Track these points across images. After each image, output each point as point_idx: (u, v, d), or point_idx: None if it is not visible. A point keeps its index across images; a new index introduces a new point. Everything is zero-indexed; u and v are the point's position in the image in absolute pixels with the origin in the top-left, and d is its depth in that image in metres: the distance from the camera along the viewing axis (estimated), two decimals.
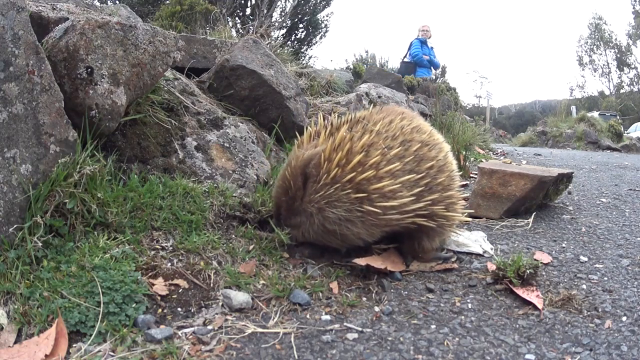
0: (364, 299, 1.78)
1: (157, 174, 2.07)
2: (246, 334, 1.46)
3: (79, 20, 1.83)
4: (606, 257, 2.24)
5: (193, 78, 2.97)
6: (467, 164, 4.68)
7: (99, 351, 1.30)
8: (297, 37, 12.59)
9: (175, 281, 1.63)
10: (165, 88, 2.43)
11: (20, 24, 1.60)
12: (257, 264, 1.83)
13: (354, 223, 1.80)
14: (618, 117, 22.11)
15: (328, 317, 1.60)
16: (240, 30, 8.37)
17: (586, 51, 36.33)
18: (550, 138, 15.33)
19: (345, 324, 1.57)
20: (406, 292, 1.85)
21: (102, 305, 1.40)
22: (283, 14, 11.25)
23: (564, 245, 2.43)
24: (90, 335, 1.34)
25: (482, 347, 1.46)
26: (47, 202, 1.60)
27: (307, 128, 2.05)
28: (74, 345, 1.32)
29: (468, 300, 1.79)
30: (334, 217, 1.80)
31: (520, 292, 1.79)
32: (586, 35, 36.68)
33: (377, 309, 1.70)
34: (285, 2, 11.45)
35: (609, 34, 34.98)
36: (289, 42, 11.68)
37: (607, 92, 34.90)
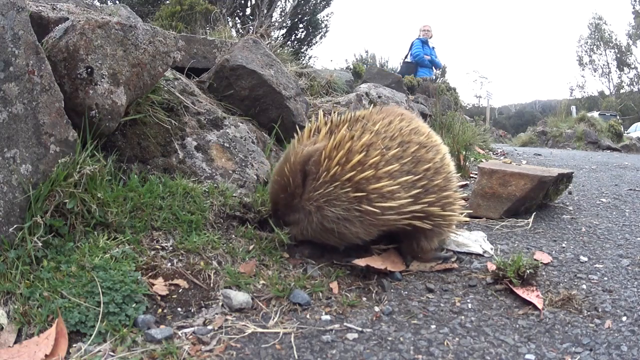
0: (364, 299, 1.78)
1: (157, 174, 2.07)
2: (246, 334, 1.46)
3: (79, 20, 1.83)
4: (606, 257, 2.24)
5: (193, 78, 2.97)
6: (467, 164, 4.69)
7: (99, 351, 1.30)
8: (297, 37, 12.59)
9: (175, 281, 1.63)
10: (165, 88, 2.43)
11: (20, 24, 1.60)
12: (257, 264, 1.83)
13: (352, 222, 1.81)
14: (618, 117, 22.11)
15: (328, 317, 1.60)
16: (240, 30, 8.37)
17: (586, 51, 36.36)
18: (550, 138, 15.33)
19: (345, 324, 1.57)
20: (406, 292, 1.85)
21: (102, 305, 1.40)
22: (283, 14, 11.25)
23: (564, 245, 2.43)
24: (90, 335, 1.34)
25: (482, 347, 1.46)
26: (47, 202, 1.60)
27: (307, 124, 2.04)
28: (74, 345, 1.32)
29: (468, 300, 1.79)
30: (333, 215, 1.80)
31: (520, 292, 1.79)
32: (586, 35, 36.71)
33: (377, 309, 1.70)
34: (285, 2, 11.45)
35: (609, 34, 34.98)
36: (289, 42, 11.67)
37: (607, 92, 34.91)
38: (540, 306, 1.70)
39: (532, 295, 1.77)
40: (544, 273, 2.02)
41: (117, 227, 1.73)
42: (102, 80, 1.85)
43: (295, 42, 12.34)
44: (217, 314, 1.55)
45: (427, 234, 2.02)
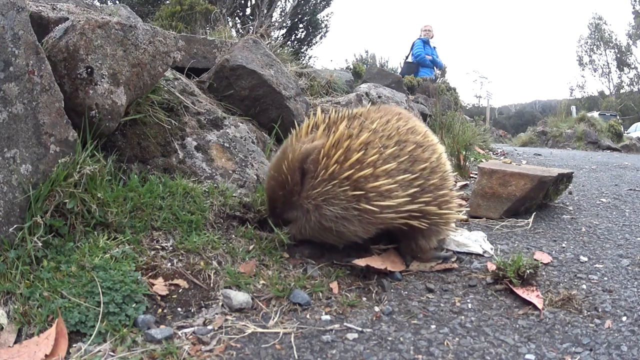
0: (364, 299, 1.78)
1: (157, 174, 2.07)
2: (246, 334, 1.46)
3: (79, 20, 1.83)
4: (606, 257, 2.24)
5: (193, 78, 2.97)
6: (467, 164, 4.68)
7: (99, 351, 1.30)
8: (297, 37, 12.58)
9: (175, 281, 1.63)
10: (165, 88, 2.43)
11: (20, 24, 1.60)
12: (257, 264, 1.83)
13: (351, 221, 1.81)
14: (618, 117, 22.11)
15: (328, 317, 1.60)
16: (240, 30, 8.37)
17: (586, 51, 36.35)
18: (550, 138, 15.33)
19: (345, 324, 1.57)
20: (406, 292, 1.85)
21: (102, 305, 1.40)
22: (283, 14, 11.25)
23: (564, 245, 2.43)
24: (90, 335, 1.34)
25: (482, 347, 1.46)
26: (47, 202, 1.60)
27: (305, 120, 2.03)
28: (74, 345, 1.32)
29: (468, 300, 1.79)
30: (331, 214, 1.80)
31: (520, 292, 1.79)
32: (586, 35, 36.72)
33: (377, 309, 1.70)
34: (285, 2, 11.45)
35: (609, 34, 34.98)
36: (289, 42, 11.67)
37: (607, 92, 34.91)
38: (540, 306, 1.70)
39: (532, 295, 1.77)
40: (544, 273, 2.02)
41: (117, 227, 1.73)
42: (102, 80, 1.85)
43: (295, 42, 12.34)
44: (217, 314, 1.55)
45: (425, 233, 2.02)
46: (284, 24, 11.37)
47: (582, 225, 2.83)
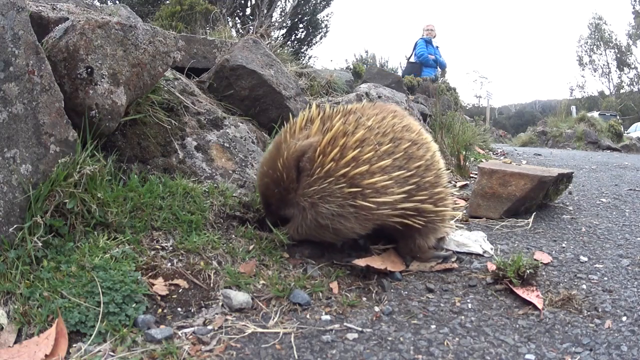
0: (364, 299, 1.78)
1: (157, 174, 2.07)
2: (246, 334, 1.46)
3: (79, 20, 1.83)
4: (606, 257, 2.24)
5: (193, 78, 2.97)
6: (467, 164, 4.69)
7: (99, 351, 1.30)
8: (297, 37, 12.59)
9: (175, 281, 1.63)
10: (165, 88, 2.43)
11: (20, 24, 1.60)
12: (257, 264, 1.83)
13: (347, 218, 1.81)
14: (618, 117, 22.11)
15: (328, 317, 1.60)
16: (240, 30, 8.37)
17: (586, 51, 36.35)
18: (550, 138, 15.34)
19: (345, 324, 1.57)
20: (406, 292, 1.85)
21: (102, 305, 1.40)
22: (283, 14, 11.25)
23: (564, 245, 2.43)
24: (90, 335, 1.34)
25: (482, 347, 1.46)
26: (47, 202, 1.60)
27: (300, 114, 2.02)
28: (74, 345, 1.32)
29: (468, 300, 1.79)
30: (327, 212, 1.80)
31: (520, 292, 1.79)
32: (586, 35, 36.71)
33: (377, 309, 1.70)
34: (285, 2, 11.45)
35: (609, 34, 34.97)
36: (289, 42, 11.67)
37: (607, 92, 34.91)
38: (540, 306, 1.70)
39: (532, 295, 1.77)
40: (544, 273, 2.02)
41: (117, 227, 1.73)
42: (102, 80, 1.85)
43: (295, 42, 12.34)
44: (217, 314, 1.55)
45: (423, 232, 2.03)
46: (284, 24, 11.38)
47: (582, 225, 2.83)
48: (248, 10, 11.20)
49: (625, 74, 34.54)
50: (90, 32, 1.83)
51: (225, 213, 2.05)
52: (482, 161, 5.07)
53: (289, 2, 11.40)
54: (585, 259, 2.22)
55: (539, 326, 1.60)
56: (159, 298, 1.54)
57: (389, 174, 1.80)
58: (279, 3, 10.69)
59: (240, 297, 1.60)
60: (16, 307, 1.38)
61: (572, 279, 1.98)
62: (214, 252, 1.80)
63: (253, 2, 10.61)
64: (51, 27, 1.99)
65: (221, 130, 2.49)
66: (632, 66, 34.05)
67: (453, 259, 2.18)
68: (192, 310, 1.55)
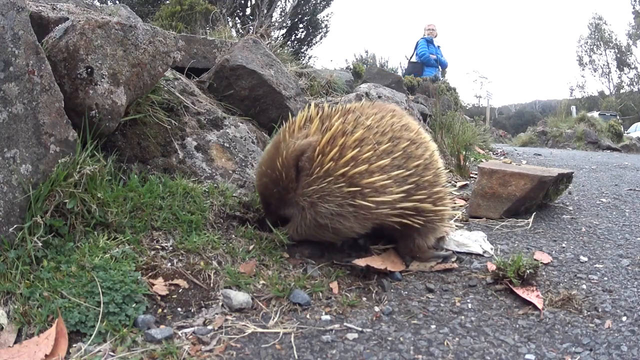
0: (364, 299, 1.78)
1: (157, 174, 2.07)
2: (246, 334, 1.46)
3: (79, 20, 1.83)
4: (606, 257, 2.24)
5: (193, 78, 2.97)
6: (467, 164, 4.68)
7: (99, 351, 1.30)
8: (297, 37, 12.58)
9: (175, 281, 1.63)
10: (165, 88, 2.43)
11: (20, 24, 1.60)
12: (257, 264, 1.83)
13: (346, 218, 1.81)
14: (618, 117, 22.11)
15: (328, 317, 1.60)
16: (240, 30, 8.37)
17: (586, 51, 36.36)
18: (550, 138, 15.34)
19: (345, 324, 1.57)
20: (406, 292, 1.85)
21: (102, 305, 1.40)
22: (283, 14, 11.24)
23: (564, 245, 2.43)
24: (90, 335, 1.34)
25: (482, 347, 1.46)
26: (47, 202, 1.60)
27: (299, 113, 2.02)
28: (74, 345, 1.32)
29: (468, 300, 1.79)
30: (326, 211, 1.80)
31: (520, 292, 1.79)
32: (586, 35, 36.72)
33: (377, 309, 1.70)
34: (285, 2, 11.44)
35: (609, 34, 34.98)
36: (289, 42, 11.67)
37: (607, 92, 34.91)
38: (540, 306, 1.70)
39: (532, 295, 1.77)
40: (544, 273, 2.02)
41: (117, 227, 1.73)
42: (102, 80, 1.85)
43: (295, 42, 12.34)
44: (217, 314, 1.55)
45: (422, 231, 2.03)
46: (284, 24, 11.37)
47: (582, 225, 2.83)
48: (248, 10, 11.20)
49: (625, 74, 34.57)
50: (90, 32, 1.83)
51: (225, 213, 2.05)
52: (482, 161, 5.07)
53: (289, 2, 11.40)
54: (585, 259, 2.22)
55: (539, 326, 1.60)
56: (159, 298, 1.54)
57: (387, 173, 1.81)
58: (279, 3, 10.69)
59: (240, 297, 1.60)
60: (16, 307, 1.38)
61: (572, 279, 1.98)
62: (214, 252, 1.80)
63: (253, 2, 10.61)
64: (51, 27, 1.99)
65: (221, 130, 2.49)
66: (632, 66, 34.07)
67: (453, 259, 2.18)
68: (192, 310, 1.55)
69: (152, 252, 1.70)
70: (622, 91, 33.94)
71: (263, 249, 1.93)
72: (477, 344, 1.48)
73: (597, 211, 3.27)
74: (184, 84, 2.63)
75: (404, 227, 1.94)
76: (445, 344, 1.47)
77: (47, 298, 1.40)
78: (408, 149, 1.91)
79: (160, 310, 1.52)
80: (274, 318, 1.56)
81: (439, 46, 10.23)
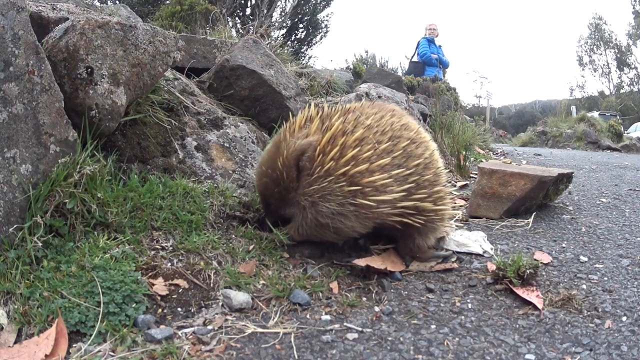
0: (364, 299, 1.78)
1: (157, 174, 2.07)
2: (246, 334, 1.46)
3: (79, 20, 1.83)
4: (606, 257, 2.24)
5: (193, 78, 2.97)
6: (467, 164, 4.68)
7: (99, 351, 1.30)
8: (297, 37, 12.58)
9: (175, 281, 1.63)
10: (165, 88, 2.43)
11: (20, 24, 1.60)
12: (257, 264, 1.83)
13: (347, 217, 1.81)
14: (618, 117, 22.11)
15: (328, 317, 1.60)
16: (240, 30, 8.37)
17: (586, 51, 36.35)
18: (550, 138, 15.34)
19: (345, 324, 1.57)
20: (406, 292, 1.85)
21: (102, 305, 1.40)
22: (283, 14, 11.24)
23: (564, 245, 2.43)
24: (90, 335, 1.34)
25: (482, 347, 1.46)
26: (47, 202, 1.60)
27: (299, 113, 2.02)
28: (74, 345, 1.32)
29: (468, 300, 1.79)
30: (327, 211, 1.80)
31: (520, 292, 1.79)
32: (586, 35, 36.72)
33: (377, 309, 1.70)
34: (285, 2, 11.44)
35: (609, 34, 34.97)
36: (289, 42, 11.67)
37: (607, 92, 34.91)
38: (540, 306, 1.70)
39: (532, 295, 1.77)
40: (544, 273, 2.02)
41: (117, 227, 1.73)
42: (102, 80, 1.85)
43: (295, 42, 12.34)
44: (217, 314, 1.55)
45: (422, 231, 2.03)
46: (284, 24, 11.37)
47: (582, 225, 2.83)
48: (248, 10, 11.20)
49: (625, 74, 34.57)
50: (90, 32, 1.83)
51: (225, 213, 2.05)
52: (482, 161, 5.07)
53: (289, 2, 11.40)
54: (585, 259, 2.22)
55: (539, 326, 1.60)
56: (159, 298, 1.54)
57: (388, 172, 1.81)
58: (279, 3, 10.69)
59: (240, 297, 1.60)
60: (16, 307, 1.38)
61: (572, 279, 1.98)
62: (214, 252, 1.80)
63: (253, 2, 10.61)
64: (51, 27, 1.99)
65: (221, 130, 2.49)
66: (632, 66, 34.06)
67: (453, 259, 2.18)
68: (192, 310, 1.55)
69: (152, 252, 1.70)
70: (622, 91, 33.94)
71: (263, 249, 1.93)
72: (477, 344, 1.48)
73: (597, 211, 3.27)
74: (184, 84, 2.63)
75: (405, 226, 1.94)
76: (445, 344, 1.47)
77: (47, 298, 1.40)
78: (408, 148, 1.91)
79: (160, 310, 1.52)
80: (274, 318, 1.56)
81: (440, 46, 10.23)
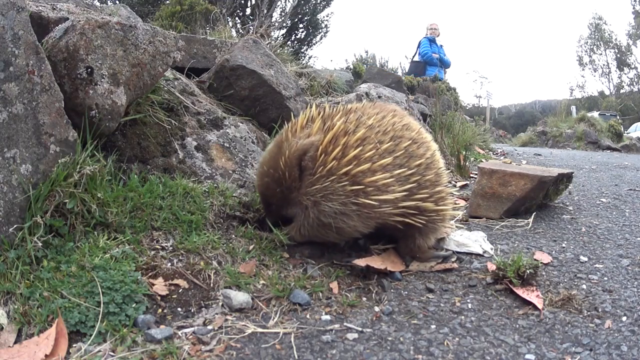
0: (364, 299, 1.78)
1: (157, 174, 2.07)
2: (246, 334, 1.46)
3: (79, 20, 1.83)
4: (606, 257, 2.24)
5: (193, 78, 2.97)
6: (467, 164, 4.69)
7: (99, 351, 1.30)
8: (297, 37, 12.59)
9: (175, 281, 1.63)
10: (165, 88, 2.43)
11: (20, 24, 1.60)
12: (257, 264, 1.83)
13: (350, 216, 1.81)
14: (618, 117, 22.10)
15: (328, 317, 1.60)
16: (240, 30, 8.37)
17: (586, 51, 36.35)
18: (550, 138, 15.34)
19: (345, 324, 1.57)
20: (406, 292, 1.85)
21: (102, 305, 1.40)
22: (283, 14, 11.24)
23: (564, 245, 2.43)
24: (90, 335, 1.34)
25: (482, 347, 1.46)
26: (47, 202, 1.60)
27: (301, 113, 2.03)
28: (74, 345, 1.32)
29: (468, 300, 1.79)
30: (330, 210, 1.81)
31: (520, 292, 1.79)
32: (586, 35, 36.71)
33: (377, 309, 1.70)
34: (285, 2, 11.44)
35: (609, 34, 34.97)
36: (289, 42, 11.67)
37: (607, 92, 34.90)
38: (540, 306, 1.70)
39: (532, 295, 1.77)
40: (544, 273, 2.02)
41: (117, 227, 1.73)
42: (102, 80, 1.85)
43: (295, 42, 12.34)
44: (217, 314, 1.55)
45: (423, 231, 2.03)
46: (284, 24, 11.37)
47: (582, 225, 2.83)
48: (248, 10, 11.20)
49: (625, 74, 34.56)
50: (90, 32, 1.83)
51: (225, 213, 2.05)
52: (482, 161, 5.07)
53: (289, 2, 11.40)
54: (585, 259, 2.22)
55: (539, 326, 1.60)
56: (159, 298, 1.54)
57: (390, 172, 1.81)
58: (279, 3, 10.69)
59: (240, 297, 1.60)
60: (16, 307, 1.38)
61: (572, 279, 1.98)
62: (214, 252, 1.80)
63: (253, 2, 10.61)
64: (51, 27, 1.99)
65: (221, 130, 2.49)
66: (632, 66, 34.06)
67: (453, 259, 2.18)
68: (192, 310, 1.55)
69: (152, 252, 1.70)
70: (622, 91, 33.94)
71: (263, 249, 1.93)
72: (477, 344, 1.48)
73: (597, 211, 3.27)
74: (184, 84, 2.63)
75: (406, 226, 1.94)
76: (445, 344, 1.47)
77: (47, 298, 1.40)
78: (409, 148, 1.92)
79: (160, 310, 1.52)
80: (274, 318, 1.56)
81: (441, 45, 10.22)
